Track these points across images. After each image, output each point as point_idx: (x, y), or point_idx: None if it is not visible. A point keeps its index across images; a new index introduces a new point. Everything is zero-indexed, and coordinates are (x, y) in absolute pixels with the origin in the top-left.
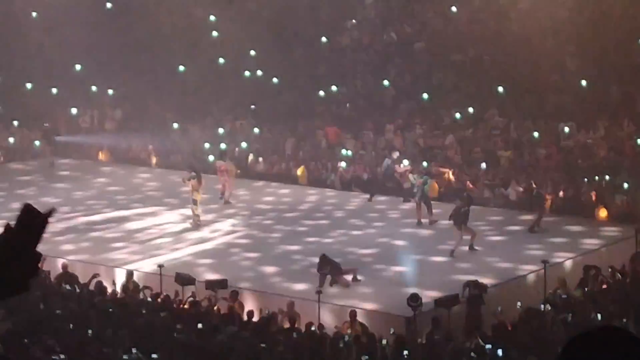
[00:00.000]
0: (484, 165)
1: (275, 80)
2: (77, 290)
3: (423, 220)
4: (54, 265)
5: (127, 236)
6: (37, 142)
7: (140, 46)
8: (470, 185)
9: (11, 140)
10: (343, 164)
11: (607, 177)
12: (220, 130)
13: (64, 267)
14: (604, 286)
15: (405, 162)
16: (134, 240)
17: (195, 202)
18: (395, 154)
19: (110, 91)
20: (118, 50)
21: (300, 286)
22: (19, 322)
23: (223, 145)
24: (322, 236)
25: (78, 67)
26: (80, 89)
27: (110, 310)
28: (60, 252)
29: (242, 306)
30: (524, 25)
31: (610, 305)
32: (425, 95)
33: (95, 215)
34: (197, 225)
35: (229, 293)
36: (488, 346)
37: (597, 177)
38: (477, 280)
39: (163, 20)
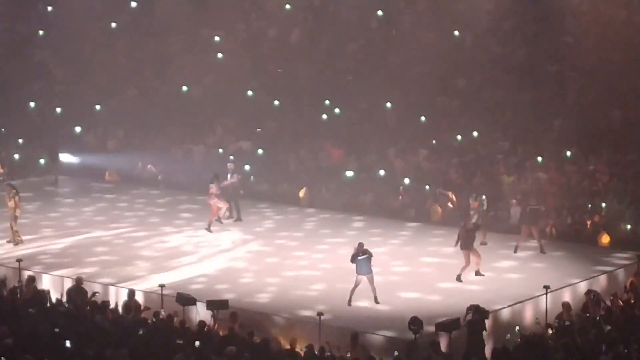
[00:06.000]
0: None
1: (276, 102)
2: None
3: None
4: (59, 284)
5: (130, 255)
6: (41, 160)
7: (145, 65)
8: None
9: (16, 156)
10: None
11: (610, 203)
12: (220, 151)
13: (79, 281)
14: (603, 312)
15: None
16: (136, 259)
17: (15, 219)
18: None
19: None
20: (123, 69)
21: (301, 307)
22: (20, 339)
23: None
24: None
25: (83, 86)
26: (84, 108)
27: (112, 328)
28: (62, 271)
29: (241, 327)
30: (528, 51)
31: (612, 331)
32: (428, 119)
33: (98, 233)
34: (17, 242)
35: (228, 314)
36: None
37: (603, 204)
38: (479, 305)
39: (169, 40)
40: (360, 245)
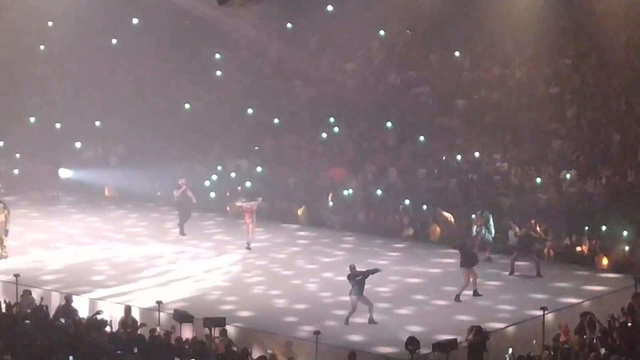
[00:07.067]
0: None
1: (276, 120)
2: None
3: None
4: (52, 299)
5: (126, 271)
6: (42, 175)
7: (146, 82)
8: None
9: (15, 171)
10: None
11: (608, 226)
12: (219, 168)
13: (68, 299)
14: (599, 334)
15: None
16: (132, 275)
17: (6, 233)
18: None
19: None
20: (124, 85)
21: (298, 326)
22: (18, 354)
23: (248, 184)
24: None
25: (83, 101)
26: (84, 124)
27: (108, 345)
28: (59, 286)
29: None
30: (527, 71)
31: (608, 353)
32: (427, 139)
33: (98, 249)
34: (4, 256)
35: (219, 331)
36: None
37: (603, 228)
38: (480, 327)
39: (169, 57)
40: (352, 267)
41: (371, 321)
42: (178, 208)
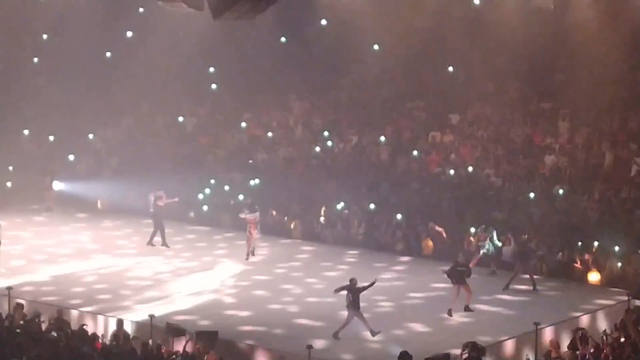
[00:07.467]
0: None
1: (270, 134)
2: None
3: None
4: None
5: (120, 284)
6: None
7: (140, 95)
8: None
9: (9, 184)
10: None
11: (600, 241)
12: (212, 181)
13: (59, 313)
14: (592, 350)
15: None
16: (125, 289)
17: None
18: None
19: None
20: (118, 98)
21: (292, 340)
22: None
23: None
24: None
25: (76, 114)
26: (77, 136)
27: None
28: (53, 300)
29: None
30: (521, 88)
31: None
32: (419, 153)
33: (88, 262)
34: None
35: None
36: None
37: (596, 243)
38: (475, 342)
39: (163, 70)
40: (353, 281)
41: (373, 333)
42: (154, 219)
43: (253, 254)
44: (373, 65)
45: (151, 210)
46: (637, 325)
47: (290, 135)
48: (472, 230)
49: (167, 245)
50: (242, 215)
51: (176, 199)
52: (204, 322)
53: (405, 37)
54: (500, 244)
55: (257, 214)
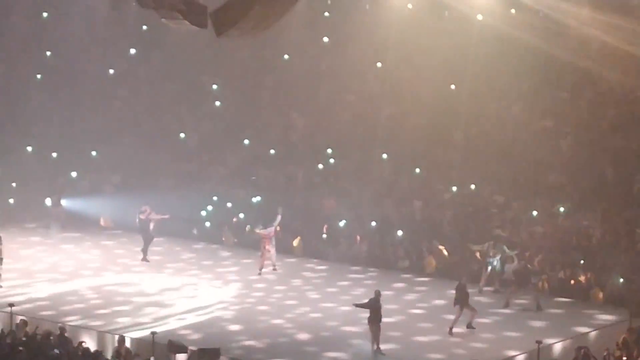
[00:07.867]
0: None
1: (272, 151)
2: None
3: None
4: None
5: (121, 301)
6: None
7: (143, 112)
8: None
9: (11, 201)
10: None
11: (603, 259)
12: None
13: (62, 330)
14: None
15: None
16: (127, 305)
17: (0, 262)
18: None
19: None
20: (121, 115)
21: (295, 357)
22: None
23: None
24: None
25: (79, 131)
26: (80, 153)
27: None
28: (54, 315)
29: None
30: (524, 106)
31: None
32: (422, 170)
33: (94, 279)
34: None
35: None
36: None
37: (598, 261)
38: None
39: (166, 86)
40: (377, 293)
41: (379, 352)
42: (141, 233)
43: (275, 269)
44: (375, 82)
45: (137, 224)
46: (639, 343)
47: (293, 151)
48: (486, 245)
49: (146, 260)
50: (257, 230)
51: (167, 216)
52: (206, 339)
53: (407, 56)
54: (513, 253)
55: (272, 229)
